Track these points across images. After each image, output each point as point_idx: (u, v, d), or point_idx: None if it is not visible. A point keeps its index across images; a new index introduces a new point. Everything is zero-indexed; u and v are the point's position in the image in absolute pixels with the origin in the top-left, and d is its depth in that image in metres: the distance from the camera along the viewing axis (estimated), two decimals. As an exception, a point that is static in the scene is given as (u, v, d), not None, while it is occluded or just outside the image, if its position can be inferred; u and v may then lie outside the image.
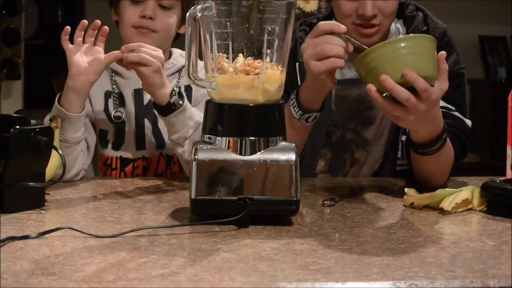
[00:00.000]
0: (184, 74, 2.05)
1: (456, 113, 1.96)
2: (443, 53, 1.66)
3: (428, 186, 1.83)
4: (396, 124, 1.74)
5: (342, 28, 1.67)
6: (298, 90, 1.82)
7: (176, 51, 2.17)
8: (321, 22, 1.70)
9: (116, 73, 2.11)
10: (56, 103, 1.91)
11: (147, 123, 2.09)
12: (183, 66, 2.13)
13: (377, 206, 1.73)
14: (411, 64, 1.60)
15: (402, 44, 1.61)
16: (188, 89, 2.10)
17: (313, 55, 1.68)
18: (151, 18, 2.04)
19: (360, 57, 1.63)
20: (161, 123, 2.07)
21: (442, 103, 1.80)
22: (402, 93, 1.60)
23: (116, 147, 2.09)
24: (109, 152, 2.09)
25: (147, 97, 2.09)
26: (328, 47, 1.66)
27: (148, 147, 2.09)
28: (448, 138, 1.82)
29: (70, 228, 1.43)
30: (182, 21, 2.10)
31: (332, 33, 1.68)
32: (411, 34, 1.75)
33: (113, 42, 2.09)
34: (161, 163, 2.10)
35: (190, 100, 2.06)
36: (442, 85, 1.65)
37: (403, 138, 1.99)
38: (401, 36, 1.68)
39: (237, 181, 1.50)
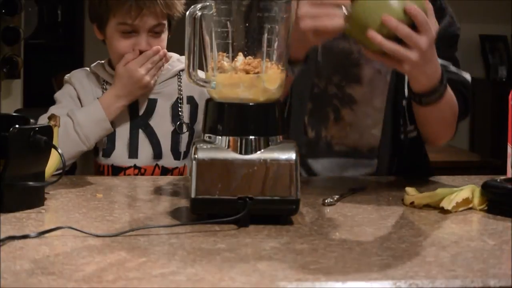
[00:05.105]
0: (184, 77, 2.08)
1: (453, 68, 1.97)
2: None
3: (436, 144, 1.83)
4: (399, 70, 1.74)
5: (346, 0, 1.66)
6: None
7: (174, 56, 2.18)
8: None
9: (107, 82, 2.11)
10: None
11: (141, 133, 2.10)
12: (182, 70, 2.15)
13: (377, 205, 1.73)
14: (399, 3, 1.62)
15: None
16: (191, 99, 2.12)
17: (313, 27, 1.66)
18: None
19: (348, 15, 1.63)
20: (161, 135, 2.08)
21: (438, 60, 1.80)
22: (405, 29, 1.62)
23: (106, 154, 2.10)
24: (101, 159, 2.11)
25: (142, 107, 2.11)
26: (329, 21, 1.65)
27: (142, 156, 2.09)
28: (449, 87, 1.84)
29: (70, 227, 1.42)
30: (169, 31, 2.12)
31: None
32: None
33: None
34: (155, 174, 2.09)
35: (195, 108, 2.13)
36: (434, 23, 1.68)
37: (404, 103, 1.99)
38: None
39: (237, 180, 1.50)
